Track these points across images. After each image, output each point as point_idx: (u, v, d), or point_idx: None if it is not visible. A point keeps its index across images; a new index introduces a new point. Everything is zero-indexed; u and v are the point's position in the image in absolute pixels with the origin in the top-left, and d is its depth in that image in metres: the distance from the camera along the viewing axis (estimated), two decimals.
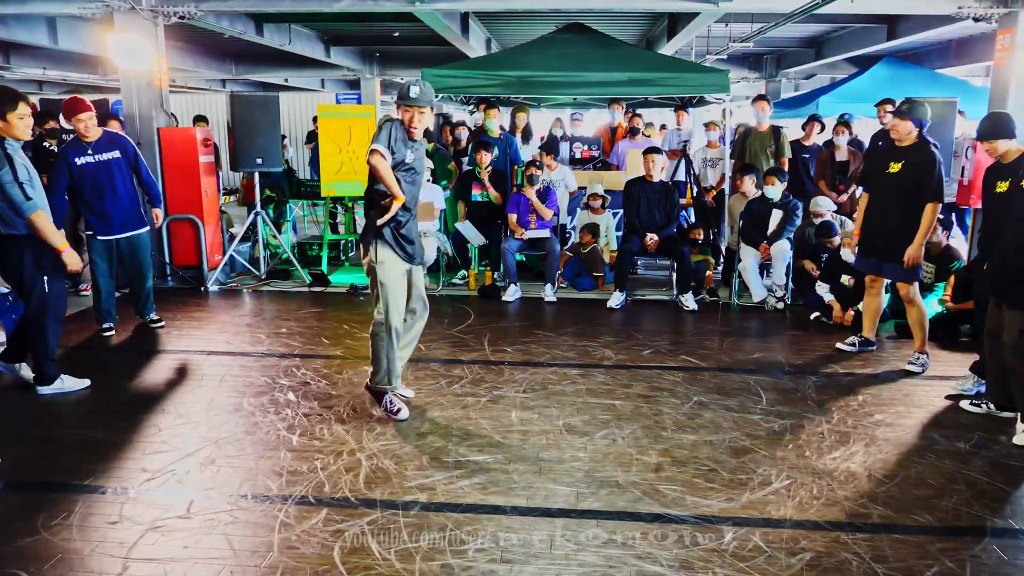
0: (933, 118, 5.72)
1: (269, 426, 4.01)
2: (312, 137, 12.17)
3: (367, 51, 16.11)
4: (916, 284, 5.08)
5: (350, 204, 8.93)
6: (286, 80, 18.67)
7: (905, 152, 4.92)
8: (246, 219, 8.02)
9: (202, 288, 7.42)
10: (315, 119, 10.05)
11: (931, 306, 5.83)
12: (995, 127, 4.31)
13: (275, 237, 8.23)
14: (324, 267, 8.04)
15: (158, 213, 6.02)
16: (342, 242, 9.03)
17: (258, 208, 7.81)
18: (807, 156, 8.01)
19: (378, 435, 3.90)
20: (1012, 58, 7.01)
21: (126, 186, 5.67)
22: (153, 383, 4.76)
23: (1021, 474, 3.55)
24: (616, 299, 6.79)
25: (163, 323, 6.07)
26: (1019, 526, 3.09)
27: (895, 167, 4.93)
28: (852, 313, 6.01)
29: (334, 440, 3.83)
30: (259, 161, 7.53)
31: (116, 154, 5.60)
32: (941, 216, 6.02)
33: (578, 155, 8.75)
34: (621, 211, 7.61)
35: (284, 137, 12.96)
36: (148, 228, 5.89)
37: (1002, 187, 4.19)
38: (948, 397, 4.51)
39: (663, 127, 11.87)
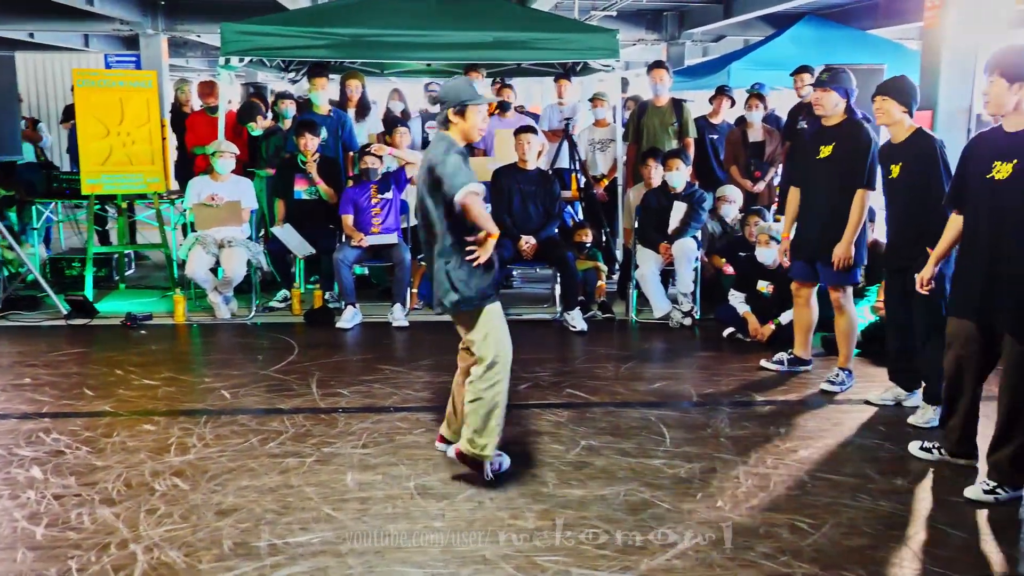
0: (858, 87, 6.16)
1: (1, 516, 3.76)
2: (71, 113, 11.63)
3: None
4: (850, 289, 5.44)
5: (124, 205, 8.59)
6: (31, 35, 17.73)
7: (835, 132, 5.25)
8: None
9: None
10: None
11: (862, 314, 6.23)
12: (897, 87, 4.74)
13: (12, 250, 7.77)
14: (88, 291, 7.66)
15: None
16: (114, 257, 8.64)
17: None
18: (715, 136, 8.41)
19: (161, 518, 3.73)
20: (943, 17, 7.65)
21: None
22: None
23: (968, 514, 3.83)
24: None
25: None
26: None
27: (825, 151, 5.25)
28: (772, 327, 6.33)
29: (98, 529, 3.64)
30: None
31: None
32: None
33: (432, 136, 8.78)
34: (489, 207, 7.70)
35: (37, 122, 12.33)
36: None
37: (895, 171, 4.75)
38: (910, 427, 4.80)
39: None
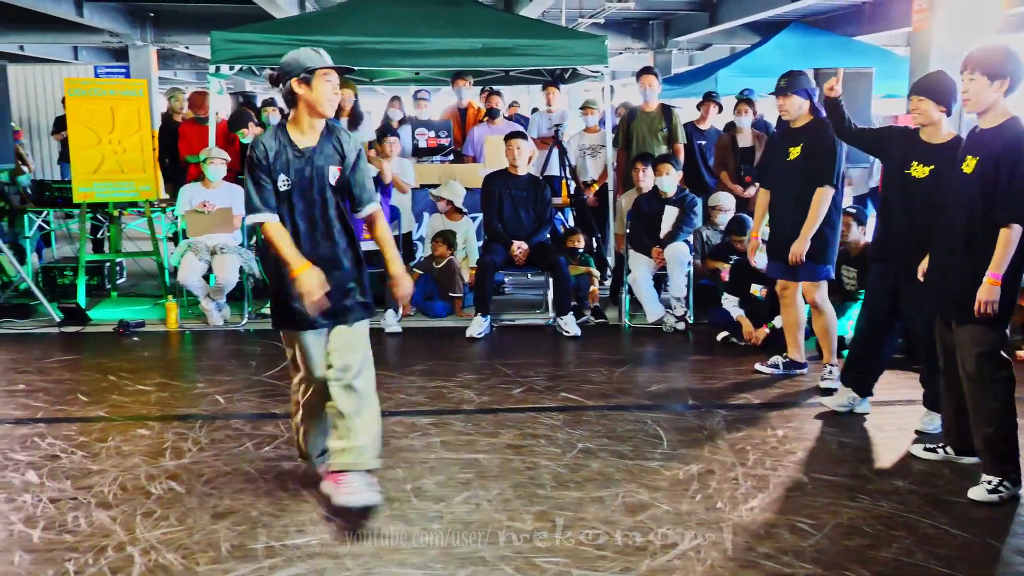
0: (845, 92, 6.20)
1: None
2: (61, 125, 11.59)
3: (136, 10, 15.57)
4: (824, 286, 5.49)
5: (116, 213, 8.54)
6: (21, 48, 17.71)
7: (802, 133, 5.38)
8: None
9: None
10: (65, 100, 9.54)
11: (855, 316, 6.22)
12: (935, 86, 4.48)
13: (11, 262, 7.72)
14: (81, 299, 7.61)
15: None
16: (107, 265, 8.58)
17: None
18: (703, 142, 8.42)
19: (158, 520, 3.69)
20: (933, 19, 7.67)
21: None
22: None
23: (969, 513, 3.82)
24: (478, 326, 6.83)
25: None
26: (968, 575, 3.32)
27: (794, 152, 5.38)
28: (766, 330, 6.32)
29: (95, 532, 3.59)
30: None
31: None
32: (854, 209, 6.49)
33: (423, 144, 8.78)
34: (481, 215, 7.68)
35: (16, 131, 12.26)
36: None
37: (920, 171, 4.52)
38: (917, 433, 4.73)
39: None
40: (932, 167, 4.49)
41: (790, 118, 5.43)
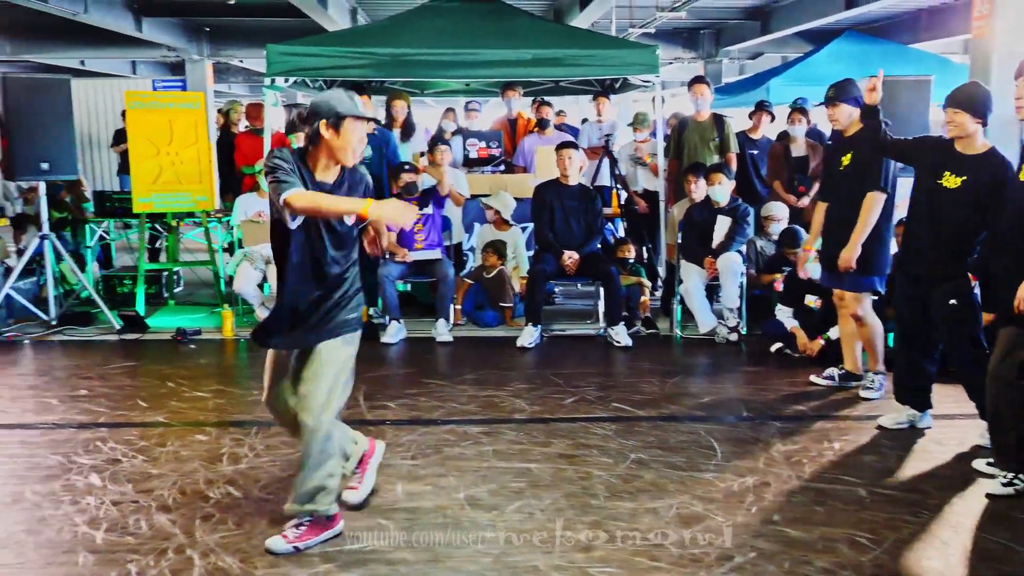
0: (903, 100, 6.12)
1: (63, 521, 3.79)
2: (120, 137, 11.84)
3: (192, 24, 15.84)
4: (867, 298, 5.43)
5: (174, 223, 8.70)
6: (82, 62, 18.12)
7: (853, 141, 5.35)
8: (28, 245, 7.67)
9: None
10: (124, 113, 9.75)
11: None
12: (971, 98, 4.46)
13: (73, 271, 7.91)
14: (140, 307, 7.76)
15: None
16: (164, 274, 8.74)
17: (46, 230, 7.48)
18: (755, 152, 8.34)
19: (216, 524, 3.74)
20: (993, 26, 7.53)
21: None
22: None
23: None
24: (529, 336, 6.83)
25: None
26: None
27: (845, 160, 5.36)
28: (821, 342, 6.23)
29: (155, 534, 3.66)
30: (45, 167, 7.24)
31: None
32: None
33: (473, 154, 8.81)
34: (532, 225, 7.68)
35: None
36: None
37: (952, 181, 4.49)
38: (979, 446, 4.60)
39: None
40: (964, 178, 4.49)
41: (840, 127, 5.42)
